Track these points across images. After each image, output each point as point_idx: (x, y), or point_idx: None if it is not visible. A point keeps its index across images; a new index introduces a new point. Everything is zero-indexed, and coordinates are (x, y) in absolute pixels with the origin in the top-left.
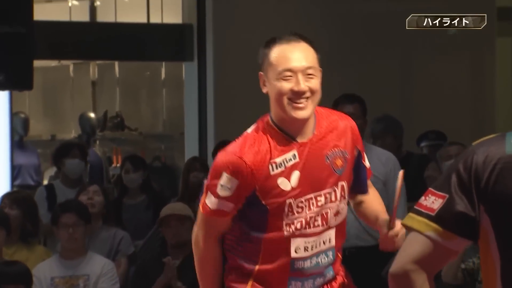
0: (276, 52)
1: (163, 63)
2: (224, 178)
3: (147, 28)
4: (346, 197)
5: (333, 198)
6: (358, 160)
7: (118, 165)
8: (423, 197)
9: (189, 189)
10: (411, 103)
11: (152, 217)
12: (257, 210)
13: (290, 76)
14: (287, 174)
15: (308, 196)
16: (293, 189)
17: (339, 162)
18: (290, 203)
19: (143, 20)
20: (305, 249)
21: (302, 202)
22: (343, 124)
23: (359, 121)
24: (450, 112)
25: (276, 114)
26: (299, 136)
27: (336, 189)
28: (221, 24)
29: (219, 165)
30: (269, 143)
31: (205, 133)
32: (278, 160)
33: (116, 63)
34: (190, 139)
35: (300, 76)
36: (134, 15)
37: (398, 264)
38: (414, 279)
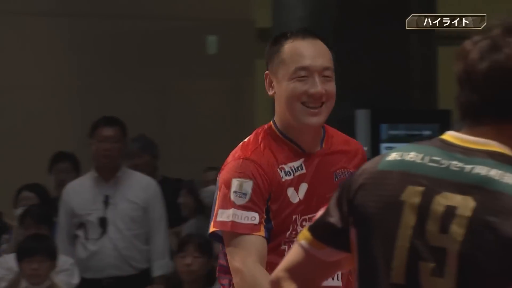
0: (290, 49)
1: None
2: (235, 183)
3: None
4: None
5: None
6: None
7: None
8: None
9: None
10: (169, 127)
11: None
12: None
13: (305, 76)
14: (296, 185)
15: (312, 215)
16: (300, 202)
17: None
18: (295, 219)
19: None
20: None
21: (306, 220)
22: (355, 147)
23: (119, 144)
24: (209, 136)
25: (283, 120)
26: (307, 147)
27: None
28: None
29: (226, 176)
30: (272, 151)
31: None
32: (286, 167)
33: None
34: None
35: (316, 77)
36: None
37: (276, 271)
38: (283, 287)
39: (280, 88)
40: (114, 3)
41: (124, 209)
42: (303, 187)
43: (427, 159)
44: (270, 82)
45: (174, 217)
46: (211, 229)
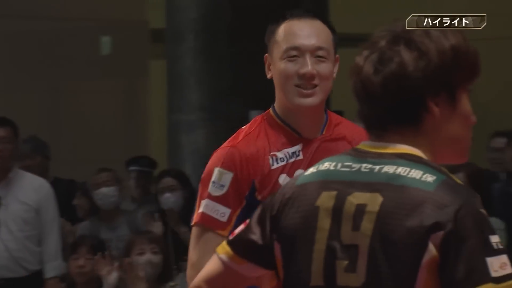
0: (284, 29)
1: None
2: (216, 173)
3: None
4: None
5: None
6: None
7: None
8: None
9: None
10: (61, 127)
11: None
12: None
13: (297, 56)
14: (289, 171)
15: None
16: None
17: None
18: None
19: None
20: None
21: None
22: (360, 132)
23: (11, 145)
24: (102, 137)
25: (280, 103)
26: (305, 132)
27: None
28: None
29: (210, 164)
30: (267, 137)
31: None
32: (279, 153)
33: None
34: None
35: (308, 57)
36: None
37: (194, 281)
38: None
39: (274, 69)
40: (8, 3)
41: (16, 210)
42: (298, 173)
43: (339, 165)
44: (269, 65)
45: (69, 218)
46: (194, 220)
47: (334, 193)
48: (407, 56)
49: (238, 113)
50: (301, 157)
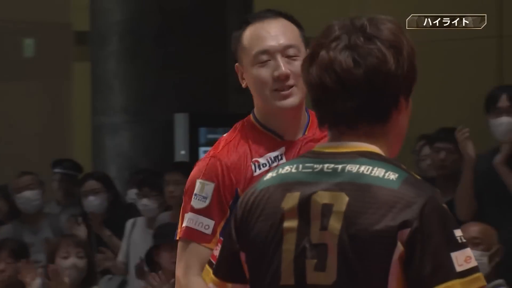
0: (249, 34)
1: None
2: (198, 185)
3: None
4: None
5: None
6: None
7: None
8: None
9: None
10: None
11: None
12: None
13: (267, 59)
14: None
15: None
16: None
17: None
18: None
19: None
20: None
21: None
22: None
23: None
24: (26, 140)
25: (259, 109)
26: (287, 135)
27: None
28: None
29: (192, 176)
30: (248, 143)
31: None
32: (261, 159)
33: None
34: None
35: (279, 58)
36: None
37: None
38: None
39: (247, 77)
40: None
41: None
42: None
43: (300, 167)
44: (241, 74)
45: None
46: (178, 235)
47: (297, 193)
48: (386, 52)
49: (162, 116)
50: (284, 160)
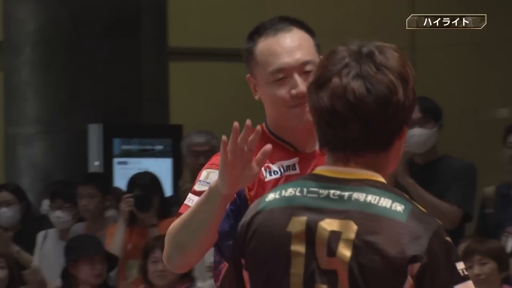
0: (262, 48)
1: None
2: (204, 173)
3: None
4: None
5: None
6: None
7: None
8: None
9: None
10: None
11: None
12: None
13: (284, 77)
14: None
15: None
16: None
17: None
18: None
19: None
20: None
21: None
22: None
23: None
24: None
25: (274, 121)
26: (302, 147)
27: None
28: None
29: (202, 168)
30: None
31: None
32: (274, 166)
33: None
34: None
35: (296, 76)
36: None
37: None
38: None
39: (262, 92)
40: None
41: None
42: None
43: (305, 191)
44: (253, 85)
45: None
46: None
47: (304, 218)
48: (396, 83)
49: (76, 126)
50: (297, 171)
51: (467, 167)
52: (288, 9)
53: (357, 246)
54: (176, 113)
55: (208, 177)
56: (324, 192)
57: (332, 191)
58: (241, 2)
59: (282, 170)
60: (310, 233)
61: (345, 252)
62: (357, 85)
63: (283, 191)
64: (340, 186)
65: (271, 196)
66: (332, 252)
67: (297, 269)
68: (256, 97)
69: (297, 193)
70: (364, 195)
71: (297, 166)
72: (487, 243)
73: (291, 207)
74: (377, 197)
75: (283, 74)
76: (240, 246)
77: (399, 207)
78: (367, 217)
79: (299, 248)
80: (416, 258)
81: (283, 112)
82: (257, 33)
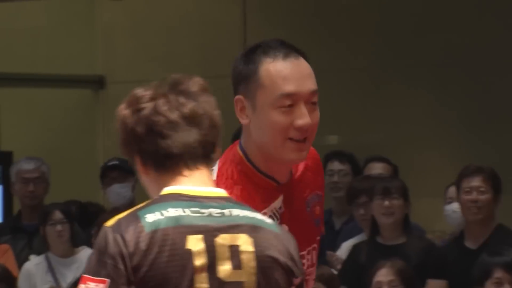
0: (270, 71)
1: None
2: None
3: None
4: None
5: (314, 260)
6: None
7: None
8: (82, 285)
9: None
10: None
11: None
12: None
13: (291, 105)
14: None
15: None
16: None
17: (318, 209)
18: None
19: None
20: None
21: None
22: (312, 155)
23: None
24: None
25: (260, 151)
26: (281, 179)
27: (315, 246)
28: None
29: None
30: (249, 192)
31: None
32: (268, 210)
33: None
34: None
35: (303, 106)
36: None
37: None
38: None
39: (259, 116)
40: None
41: None
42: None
43: (188, 211)
44: (242, 108)
45: None
46: None
47: (200, 236)
48: (214, 110)
49: None
50: (283, 209)
51: None
52: (123, 37)
53: (259, 257)
54: (6, 139)
55: None
56: (205, 211)
57: (211, 210)
58: (70, 27)
59: (277, 213)
60: (210, 249)
61: (251, 263)
62: (171, 113)
63: (164, 212)
64: (213, 204)
65: (151, 217)
66: (237, 265)
67: (202, 284)
68: (245, 122)
69: (182, 213)
70: (238, 210)
71: (282, 205)
72: (319, 268)
73: (182, 226)
74: (245, 211)
75: (291, 101)
76: (129, 264)
77: (266, 219)
78: (255, 230)
79: (201, 264)
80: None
81: (279, 142)
82: (259, 54)
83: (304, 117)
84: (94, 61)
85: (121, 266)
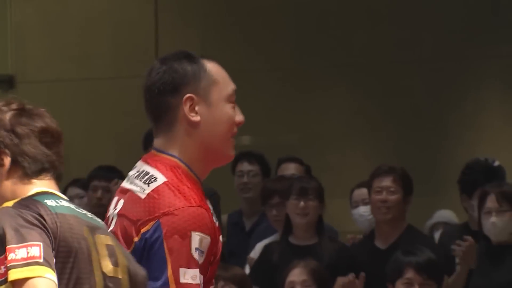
0: (216, 69)
1: None
2: (196, 238)
3: None
4: None
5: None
6: None
7: None
8: (8, 255)
9: None
10: None
11: None
12: None
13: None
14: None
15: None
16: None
17: None
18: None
19: None
20: None
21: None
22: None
23: None
24: None
25: (197, 152)
26: (202, 177)
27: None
28: None
29: (180, 228)
30: (196, 193)
31: None
32: (211, 207)
33: None
34: None
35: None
36: None
37: None
38: None
39: (216, 112)
40: None
41: None
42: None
43: (73, 206)
44: (192, 106)
45: None
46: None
47: (88, 229)
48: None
49: None
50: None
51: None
52: (35, 36)
53: (127, 257)
54: None
55: (202, 244)
56: (80, 210)
57: (81, 210)
58: None
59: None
60: (94, 244)
61: (125, 262)
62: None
63: (58, 200)
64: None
65: (50, 202)
66: (116, 262)
67: (97, 272)
68: (196, 119)
69: (71, 205)
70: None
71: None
72: (231, 269)
73: (76, 216)
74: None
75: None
76: (49, 229)
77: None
78: (112, 234)
79: (94, 254)
80: None
81: (228, 137)
82: (193, 56)
83: (241, 114)
84: (4, 61)
85: (41, 221)
